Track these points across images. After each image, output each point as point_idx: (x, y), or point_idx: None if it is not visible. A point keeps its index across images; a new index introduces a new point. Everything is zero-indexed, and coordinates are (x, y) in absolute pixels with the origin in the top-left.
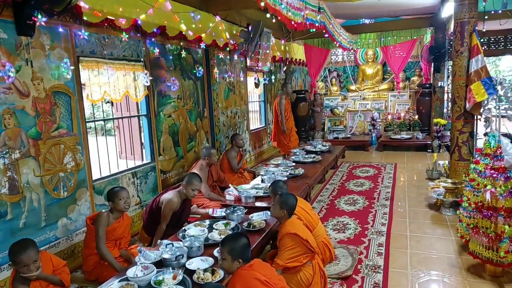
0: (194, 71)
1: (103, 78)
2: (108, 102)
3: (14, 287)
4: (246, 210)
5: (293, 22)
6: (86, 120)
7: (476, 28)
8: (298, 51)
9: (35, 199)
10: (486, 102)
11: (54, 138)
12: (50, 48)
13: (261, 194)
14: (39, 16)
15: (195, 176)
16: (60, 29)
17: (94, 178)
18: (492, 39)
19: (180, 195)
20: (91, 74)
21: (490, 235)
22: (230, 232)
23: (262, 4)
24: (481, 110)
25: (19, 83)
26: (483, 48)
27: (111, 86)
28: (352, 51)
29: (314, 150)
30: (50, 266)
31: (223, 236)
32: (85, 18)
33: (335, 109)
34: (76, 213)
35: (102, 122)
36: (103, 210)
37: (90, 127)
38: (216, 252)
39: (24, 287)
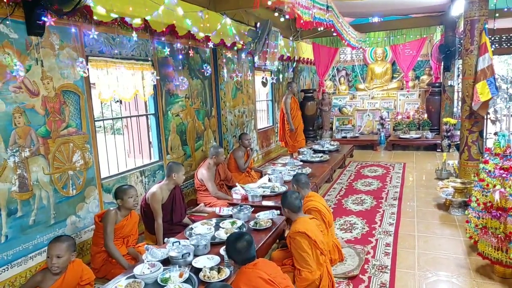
0: (202, 70)
1: (112, 77)
2: (117, 101)
3: (31, 277)
4: (253, 209)
5: (302, 21)
6: (95, 119)
7: (487, 26)
8: (306, 50)
9: (44, 197)
10: (494, 101)
11: (63, 136)
12: (60, 48)
13: (268, 193)
14: (49, 16)
15: (176, 162)
16: (70, 29)
17: (102, 176)
18: (504, 37)
19: (166, 186)
20: (100, 73)
21: (499, 235)
22: (236, 231)
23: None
24: (488, 110)
25: (29, 82)
26: (494, 46)
27: (120, 85)
28: (361, 49)
29: (322, 149)
30: (77, 277)
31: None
32: (95, 17)
33: (344, 108)
34: (85, 211)
35: (111, 121)
36: (111, 208)
37: (100, 126)
38: (222, 251)
39: (39, 279)
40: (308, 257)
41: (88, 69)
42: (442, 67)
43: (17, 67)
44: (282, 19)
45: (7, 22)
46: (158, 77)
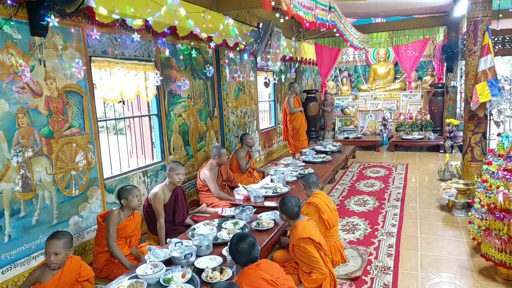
0: (205, 71)
1: (115, 77)
2: (120, 101)
3: (31, 273)
4: (255, 209)
5: (305, 21)
6: (98, 120)
7: (490, 26)
8: (308, 50)
9: (47, 197)
10: (498, 102)
11: (66, 137)
12: (63, 48)
13: (270, 194)
14: (52, 17)
15: (176, 162)
16: (73, 30)
17: (105, 176)
18: (508, 38)
19: (167, 186)
20: (103, 73)
21: (502, 237)
22: (239, 231)
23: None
24: (491, 110)
25: (32, 83)
26: (497, 47)
27: (123, 85)
28: (363, 50)
29: (324, 150)
30: (75, 273)
31: (231, 235)
32: (97, 18)
33: (346, 109)
34: (88, 211)
35: (114, 121)
36: (114, 208)
37: (103, 126)
38: (224, 251)
39: (38, 274)
40: (317, 260)
41: (83, 71)
42: (445, 68)
43: (22, 67)
44: (282, 20)
45: (12, 23)
46: (162, 78)
